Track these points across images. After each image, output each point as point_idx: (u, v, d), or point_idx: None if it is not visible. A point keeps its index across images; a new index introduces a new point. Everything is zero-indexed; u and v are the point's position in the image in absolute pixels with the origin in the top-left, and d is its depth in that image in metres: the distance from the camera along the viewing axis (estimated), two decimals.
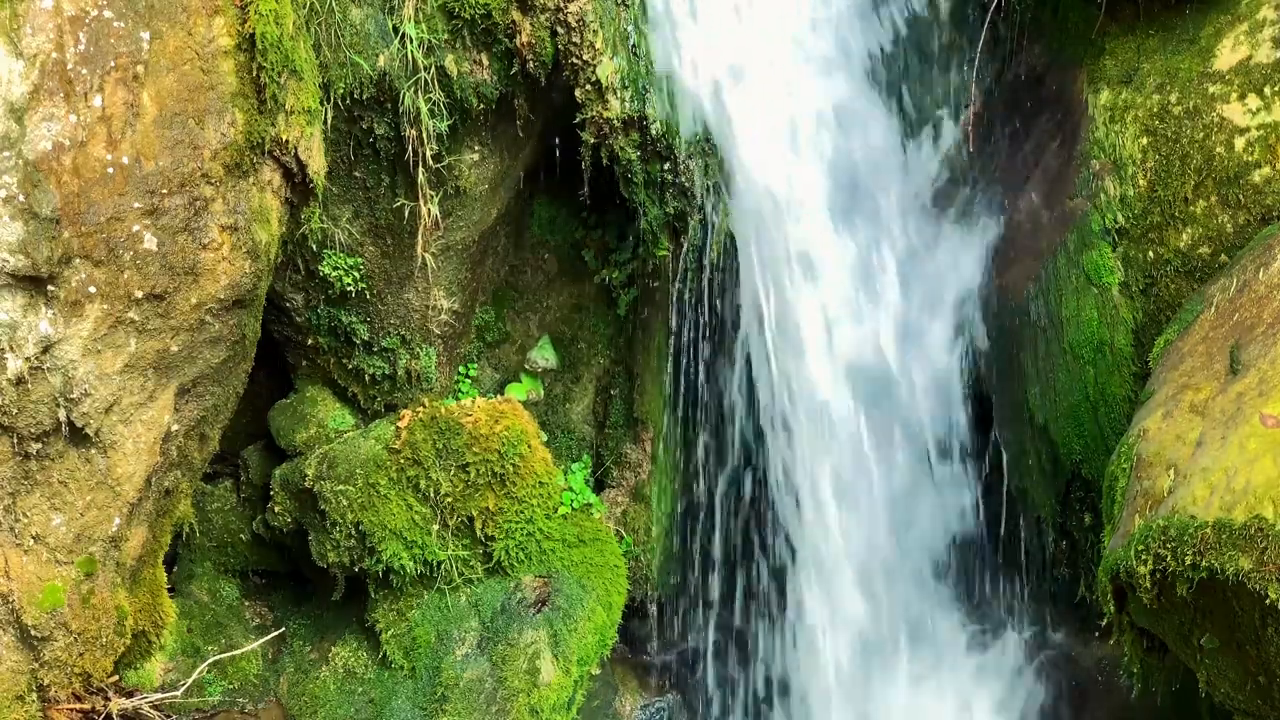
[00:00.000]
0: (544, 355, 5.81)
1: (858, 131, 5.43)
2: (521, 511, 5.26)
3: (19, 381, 3.92)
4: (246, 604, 5.74)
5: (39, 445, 4.04)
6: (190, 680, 5.09)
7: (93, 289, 3.96)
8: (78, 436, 4.10)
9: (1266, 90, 4.75)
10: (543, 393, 5.87)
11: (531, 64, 4.78)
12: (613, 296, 5.70)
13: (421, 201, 4.98)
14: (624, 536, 5.78)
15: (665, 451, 5.77)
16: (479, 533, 5.24)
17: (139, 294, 4.05)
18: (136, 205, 3.98)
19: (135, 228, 3.99)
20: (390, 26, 4.69)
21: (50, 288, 3.89)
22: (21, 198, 3.77)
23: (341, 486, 5.17)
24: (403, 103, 4.74)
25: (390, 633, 5.38)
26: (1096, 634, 5.35)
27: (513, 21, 4.73)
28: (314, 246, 5.00)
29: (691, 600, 5.91)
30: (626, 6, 4.79)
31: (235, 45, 4.15)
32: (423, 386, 5.47)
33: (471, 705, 5.15)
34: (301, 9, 4.47)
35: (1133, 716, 5.02)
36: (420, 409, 5.24)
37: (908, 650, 5.59)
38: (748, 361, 5.37)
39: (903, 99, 5.65)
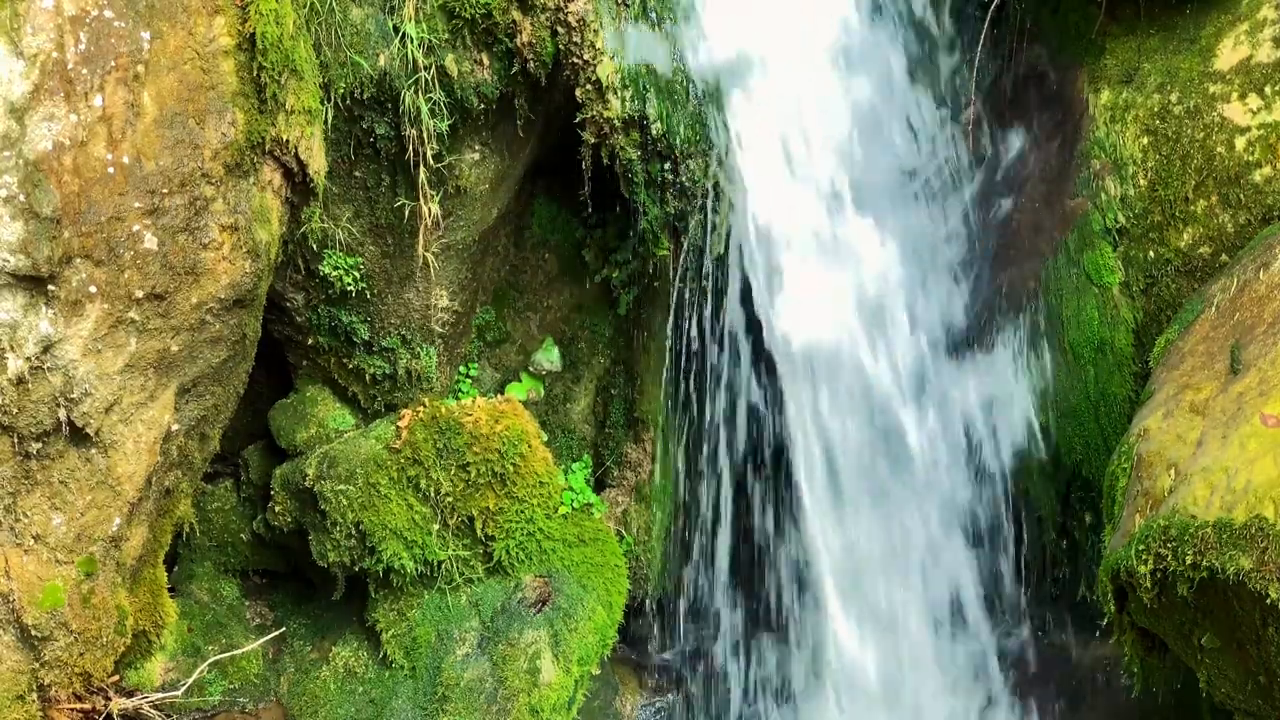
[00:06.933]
0: (548, 358, 5.81)
1: (858, 132, 5.43)
2: (522, 511, 5.26)
3: (19, 381, 3.92)
4: (247, 604, 5.74)
5: (39, 445, 4.04)
6: (191, 680, 5.10)
7: (93, 289, 3.96)
8: (78, 436, 4.10)
9: (1267, 90, 4.75)
10: (543, 392, 5.87)
11: (532, 64, 4.78)
12: (613, 296, 5.70)
13: (422, 201, 4.98)
14: (624, 536, 5.78)
15: (665, 451, 5.78)
16: (479, 532, 5.25)
17: (139, 294, 4.05)
18: (137, 205, 3.98)
19: (136, 227, 3.99)
20: (390, 26, 4.70)
21: (50, 287, 3.89)
22: (22, 197, 3.77)
23: (342, 486, 5.17)
24: (403, 102, 4.74)
25: (391, 632, 5.39)
26: (1096, 634, 5.35)
27: (513, 21, 4.73)
28: (314, 246, 5.00)
29: (691, 599, 5.91)
30: (627, 6, 4.80)
31: (236, 45, 4.15)
32: (423, 386, 5.47)
33: (472, 705, 5.15)
34: (302, 9, 4.47)
35: (1133, 716, 5.02)
36: (421, 409, 5.24)
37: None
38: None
39: (901, 99, 5.65)
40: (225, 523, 5.69)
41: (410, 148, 4.84)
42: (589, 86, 4.79)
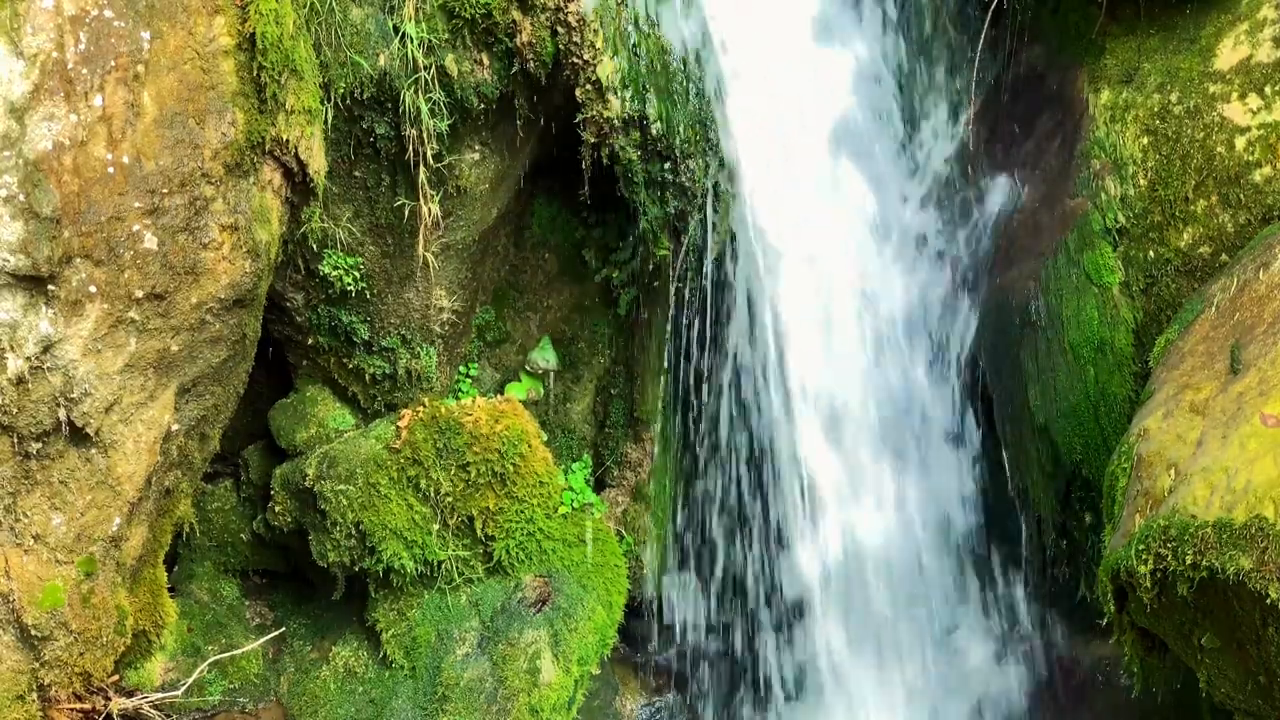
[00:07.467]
0: (544, 356, 5.81)
1: (859, 134, 5.44)
2: (522, 511, 5.26)
3: (19, 381, 3.92)
4: (247, 604, 5.74)
5: (39, 445, 4.04)
6: (191, 680, 5.10)
7: (93, 288, 3.96)
8: (78, 436, 4.10)
9: (1267, 90, 4.75)
10: (543, 392, 5.87)
11: (532, 63, 4.78)
12: (613, 296, 5.70)
13: (422, 201, 4.98)
14: (624, 536, 5.78)
15: (665, 450, 5.77)
16: (479, 532, 5.25)
17: (139, 293, 4.05)
18: (137, 205, 3.98)
19: (135, 227, 3.99)
20: (390, 26, 4.69)
21: (50, 287, 3.89)
22: (22, 197, 3.77)
23: (342, 486, 5.17)
24: (403, 102, 4.74)
25: (391, 632, 5.38)
26: (1097, 634, 5.35)
27: (513, 21, 4.73)
28: (314, 246, 5.00)
29: (691, 599, 5.91)
30: (626, 6, 4.80)
31: (236, 45, 4.15)
32: (423, 386, 5.47)
33: (472, 705, 5.15)
34: (302, 9, 4.47)
35: (1133, 716, 5.01)
36: (420, 408, 5.24)
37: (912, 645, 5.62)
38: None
39: (903, 99, 5.65)
40: (225, 523, 5.69)
41: (410, 148, 4.84)
42: (589, 86, 4.79)
